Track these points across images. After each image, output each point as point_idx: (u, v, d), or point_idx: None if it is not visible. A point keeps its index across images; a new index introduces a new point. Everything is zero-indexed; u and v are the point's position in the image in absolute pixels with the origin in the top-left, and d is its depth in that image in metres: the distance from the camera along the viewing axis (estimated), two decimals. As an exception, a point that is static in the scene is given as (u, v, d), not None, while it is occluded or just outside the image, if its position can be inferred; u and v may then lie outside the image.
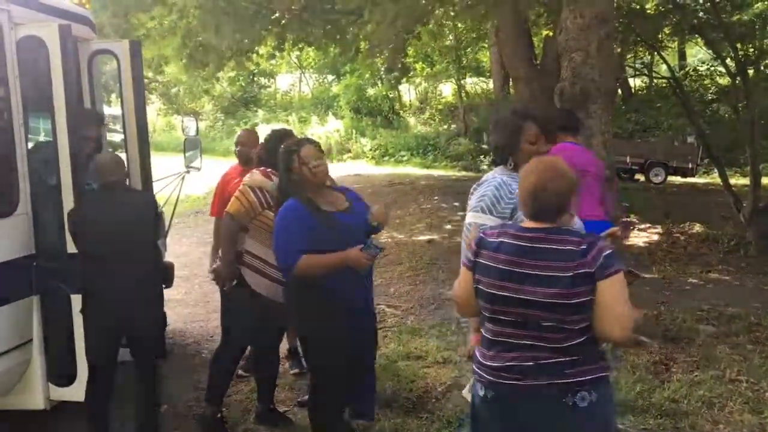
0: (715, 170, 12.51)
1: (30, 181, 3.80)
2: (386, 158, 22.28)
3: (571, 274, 2.17)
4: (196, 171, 5.29)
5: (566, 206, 2.32)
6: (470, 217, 2.88)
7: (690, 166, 18.35)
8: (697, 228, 10.97)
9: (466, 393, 3.27)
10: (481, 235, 2.39)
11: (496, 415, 2.32)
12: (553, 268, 2.20)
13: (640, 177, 18.59)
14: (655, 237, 10.89)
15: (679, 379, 4.59)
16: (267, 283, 3.82)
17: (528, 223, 2.34)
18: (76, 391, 3.81)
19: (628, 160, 17.70)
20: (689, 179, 18.48)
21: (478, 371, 2.38)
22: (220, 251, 4.10)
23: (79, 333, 3.79)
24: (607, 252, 2.19)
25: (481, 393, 2.36)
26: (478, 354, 2.40)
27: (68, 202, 3.74)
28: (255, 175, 3.90)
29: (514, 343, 2.27)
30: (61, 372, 3.89)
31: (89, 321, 3.65)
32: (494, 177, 2.96)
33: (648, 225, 11.58)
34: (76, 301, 3.77)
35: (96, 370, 3.67)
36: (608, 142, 5.48)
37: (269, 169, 3.86)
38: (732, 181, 11.15)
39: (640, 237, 10.91)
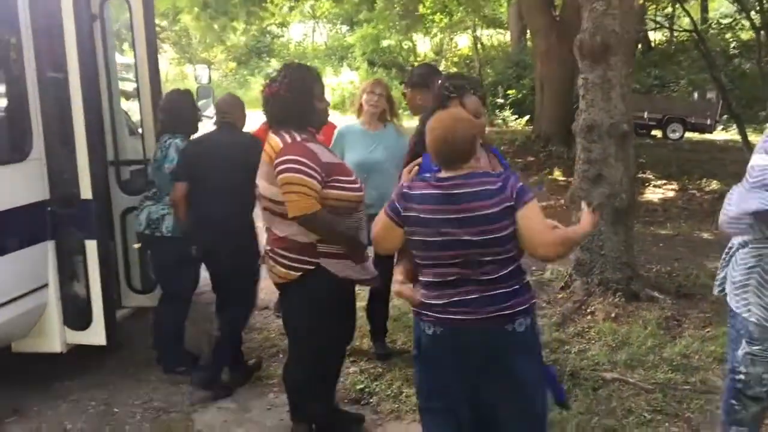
0: (734, 127, 12.28)
1: (43, 126, 3.79)
2: (400, 111, 22.02)
3: (496, 209, 2.39)
4: (208, 119, 5.25)
5: (474, 149, 2.50)
6: (754, 159, 2.62)
7: (709, 122, 18.04)
8: (714, 185, 10.85)
9: None
10: (405, 189, 2.52)
11: (447, 348, 2.51)
12: (478, 208, 2.40)
13: (657, 133, 18.35)
14: (671, 194, 10.79)
15: (691, 335, 4.59)
16: (352, 264, 3.14)
17: (444, 173, 2.49)
18: (92, 335, 3.88)
19: (645, 116, 17.34)
20: (707, 136, 18.19)
21: (424, 311, 2.54)
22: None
23: (94, 278, 3.84)
24: (519, 184, 2.45)
25: (429, 331, 2.53)
26: (421, 296, 2.56)
27: (81, 147, 3.74)
28: (293, 147, 2.97)
29: (458, 281, 2.47)
30: (77, 316, 3.94)
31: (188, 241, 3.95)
32: None
33: (664, 182, 11.46)
34: (90, 246, 3.82)
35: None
36: (627, 95, 5.35)
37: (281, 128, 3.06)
38: (751, 138, 10.98)
39: (656, 193, 10.83)
